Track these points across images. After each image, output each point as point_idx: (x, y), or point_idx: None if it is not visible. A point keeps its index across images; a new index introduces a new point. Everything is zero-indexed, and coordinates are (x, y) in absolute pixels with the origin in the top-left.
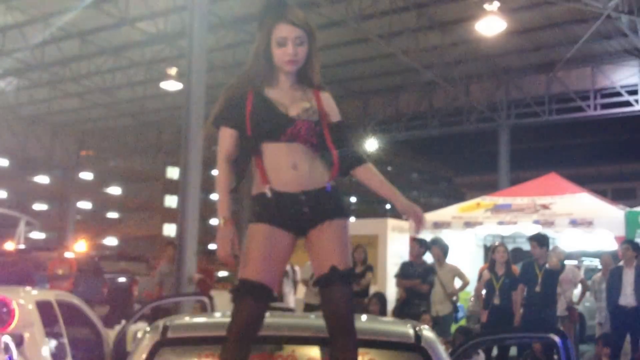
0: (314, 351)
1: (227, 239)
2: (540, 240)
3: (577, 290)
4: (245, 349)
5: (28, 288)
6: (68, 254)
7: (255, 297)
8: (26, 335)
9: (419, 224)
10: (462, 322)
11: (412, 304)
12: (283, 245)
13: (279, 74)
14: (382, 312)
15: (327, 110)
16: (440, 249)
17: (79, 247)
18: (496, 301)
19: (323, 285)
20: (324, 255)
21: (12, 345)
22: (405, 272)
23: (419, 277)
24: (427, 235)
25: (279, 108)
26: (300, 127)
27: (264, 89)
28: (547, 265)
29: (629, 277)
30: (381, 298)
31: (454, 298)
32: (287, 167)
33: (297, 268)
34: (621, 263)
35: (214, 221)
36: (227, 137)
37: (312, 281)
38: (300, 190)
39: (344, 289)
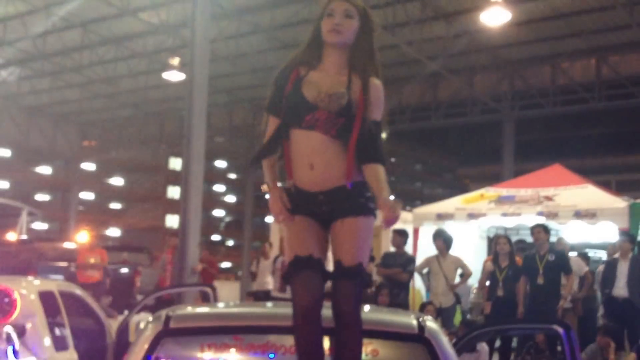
0: None
1: (275, 200)
2: (545, 227)
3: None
4: (316, 331)
5: (30, 278)
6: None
7: (309, 269)
8: (28, 325)
9: (389, 221)
10: (458, 311)
11: (392, 294)
12: (318, 230)
13: (327, 52)
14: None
15: (368, 102)
16: (443, 240)
17: (82, 237)
18: (500, 293)
19: (331, 279)
20: (337, 251)
21: (14, 336)
22: (386, 262)
23: (399, 267)
24: (430, 227)
25: (305, 92)
26: (319, 116)
27: (309, 71)
28: (548, 257)
29: (623, 268)
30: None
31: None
32: (304, 166)
33: None
34: (617, 255)
35: (216, 212)
36: (271, 125)
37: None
38: (318, 191)
39: (348, 285)
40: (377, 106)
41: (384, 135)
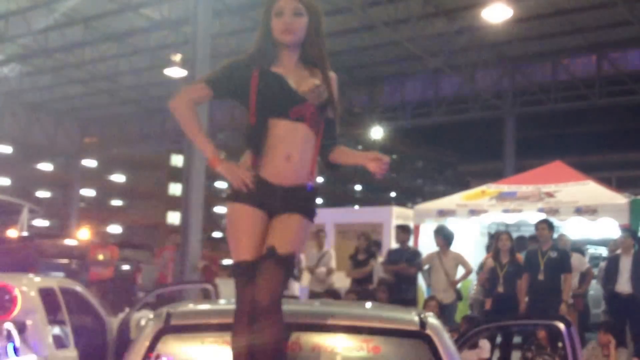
0: (319, 338)
1: (232, 170)
2: (549, 224)
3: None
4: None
5: (31, 275)
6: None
7: (252, 277)
8: (29, 322)
9: (381, 165)
10: (460, 306)
11: (400, 289)
12: (263, 222)
13: (282, 52)
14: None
15: (333, 100)
16: (443, 237)
17: (82, 234)
18: (500, 289)
19: (264, 261)
20: (274, 238)
21: (15, 332)
22: (392, 258)
23: (405, 262)
24: (431, 224)
25: (289, 82)
26: (307, 109)
27: (269, 68)
28: (550, 254)
29: (625, 264)
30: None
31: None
32: (281, 157)
33: (302, 256)
34: (619, 251)
35: (218, 209)
36: (200, 91)
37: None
38: (280, 185)
39: (278, 271)
40: (335, 104)
41: (381, 131)
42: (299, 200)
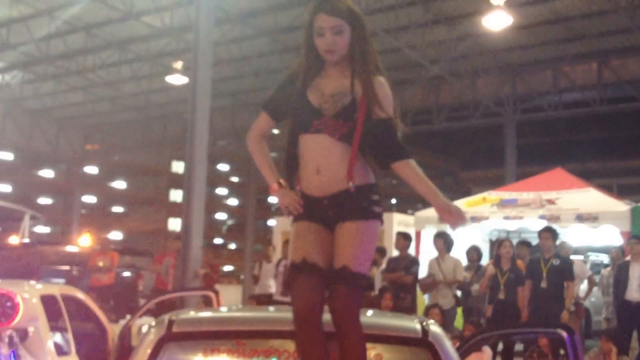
0: None
1: (283, 196)
2: (553, 233)
3: (584, 286)
4: (317, 333)
5: (32, 282)
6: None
7: (306, 273)
8: (30, 329)
9: (457, 221)
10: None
11: (398, 298)
12: (324, 236)
13: (328, 63)
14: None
15: (371, 100)
16: (443, 242)
17: (84, 241)
18: (501, 296)
19: (329, 282)
20: (336, 255)
21: (17, 339)
22: (391, 266)
23: (402, 270)
24: (432, 230)
25: (310, 97)
26: (326, 120)
27: (312, 80)
28: (553, 261)
29: (635, 271)
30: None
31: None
32: (311, 171)
33: None
34: (628, 258)
35: (219, 215)
36: (262, 121)
37: None
38: (323, 196)
39: (340, 289)
40: (383, 103)
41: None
42: (346, 206)
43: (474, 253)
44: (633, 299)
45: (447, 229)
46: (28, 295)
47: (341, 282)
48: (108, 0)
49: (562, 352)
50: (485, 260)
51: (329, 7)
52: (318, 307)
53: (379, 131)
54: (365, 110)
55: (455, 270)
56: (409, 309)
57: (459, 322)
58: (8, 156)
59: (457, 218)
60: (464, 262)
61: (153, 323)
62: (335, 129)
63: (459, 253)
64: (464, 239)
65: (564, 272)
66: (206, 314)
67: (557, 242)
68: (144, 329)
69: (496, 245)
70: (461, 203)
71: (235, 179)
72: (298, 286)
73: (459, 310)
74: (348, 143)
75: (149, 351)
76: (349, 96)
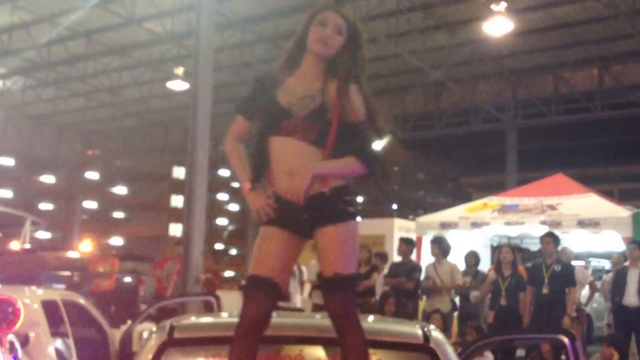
0: (322, 351)
1: (255, 200)
2: (555, 238)
3: (585, 291)
4: (254, 346)
5: (33, 288)
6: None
7: (265, 291)
8: (32, 335)
9: (291, 192)
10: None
11: (400, 303)
12: (292, 246)
13: (307, 59)
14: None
15: (344, 105)
16: (440, 247)
17: (85, 246)
18: (503, 302)
19: (322, 290)
20: (323, 261)
21: (18, 345)
22: (393, 272)
23: (404, 275)
24: (433, 235)
25: (280, 98)
26: (296, 123)
27: (285, 78)
28: (555, 267)
29: (633, 277)
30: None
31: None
32: (283, 173)
33: (304, 268)
34: (627, 263)
35: (220, 221)
36: (237, 124)
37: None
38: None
39: (341, 295)
40: (355, 108)
41: (385, 142)
42: (323, 209)
43: (471, 258)
44: (630, 304)
45: (448, 234)
46: (29, 300)
47: (336, 289)
48: (109, 6)
49: (563, 357)
50: (485, 266)
51: (339, 9)
52: (266, 322)
53: (348, 134)
54: (339, 115)
55: (453, 275)
56: (411, 315)
57: (455, 326)
58: (9, 162)
59: (292, 190)
60: (463, 267)
61: (154, 329)
62: (305, 132)
63: (459, 258)
64: (465, 244)
65: (566, 277)
66: (207, 319)
67: (559, 248)
68: (145, 334)
69: (497, 251)
70: (462, 209)
71: (236, 185)
72: (254, 300)
73: (454, 315)
74: (319, 146)
75: (150, 357)
76: (318, 99)
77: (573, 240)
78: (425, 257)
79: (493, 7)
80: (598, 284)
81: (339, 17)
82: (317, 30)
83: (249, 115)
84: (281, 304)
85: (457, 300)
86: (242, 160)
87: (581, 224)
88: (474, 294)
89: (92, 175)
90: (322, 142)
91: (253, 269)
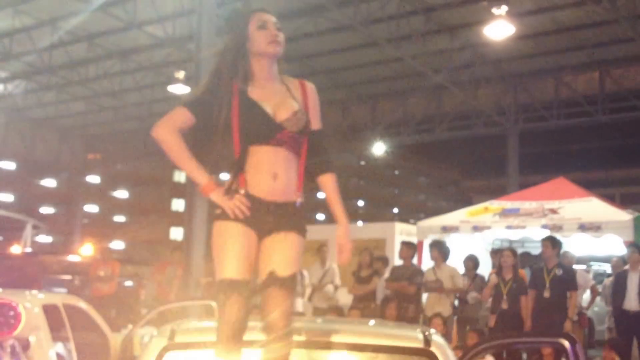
0: (324, 355)
1: (226, 198)
2: (553, 241)
3: (586, 295)
4: (239, 349)
5: (34, 292)
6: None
7: (240, 293)
8: (32, 339)
9: (343, 257)
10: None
11: (401, 307)
12: (253, 242)
13: (257, 67)
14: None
15: (312, 111)
16: (439, 251)
17: (86, 250)
18: (504, 306)
19: (263, 289)
20: (271, 261)
21: (19, 349)
22: (394, 275)
23: (406, 280)
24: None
25: (267, 111)
26: (286, 135)
27: (247, 89)
28: (556, 271)
29: (633, 280)
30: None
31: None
32: (267, 176)
33: (305, 272)
34: (627, 267)
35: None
36: (182, 116)
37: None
38: (272, 201)
39: (283, 294)
40: (317, 110)
41: (383, 147)
42: (290, 217)
43: (470, 262)
44: (631, 308)
45: (449, 238)
46: (30, 304)
47: (280, 287)
48: (110, 10)
49: None
50: (486, 270)
51: (266, 9)
52: (245, 323)
53: (317, 142)
54: (310, 122)
55: (454, 278)
56: (413, 319)
57: (455, 330)
58: (10, 165)
59: (345, 252)
60: (462, 271)
61: (155, 333)
62: (295, 145)
63: (461, 263)
64: (466, 248)
65: (567, 281)
66: (208, 324)
67: (560, 252)
68: (146, 338)
69: (498, 255)
70: (463, 212)
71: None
72: (231, 304)
73: (454, 319)
74: (299, 157)
75: None
76: (305, 116)
77: (574, 244)
78: (427, 261)
79: (494, 10)
80: (599, 287)
81: (271, 16)
82: (263, 34)
83: (198, 114)
84: None
85: (455, 303)
86: (187, 152)
87: (582, 227)
88: (472, 295)
89: (93, 179)
90: (299, 150)
91: (226, 272)
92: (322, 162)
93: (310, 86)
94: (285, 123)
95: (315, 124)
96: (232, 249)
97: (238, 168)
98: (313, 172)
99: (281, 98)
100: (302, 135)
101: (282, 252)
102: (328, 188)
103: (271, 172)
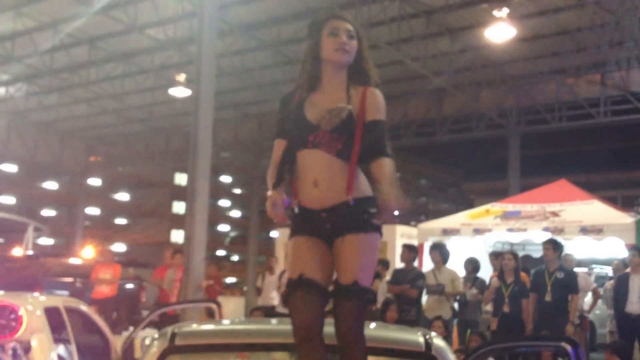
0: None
1: (273, 197)
2: (555, 244)
3: (588, 298)
4: (316, 346)
5: (36, 294)
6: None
7: (305, 288)
8: (34, 341)
9: (383, 214)
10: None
11: (402, 310)
12: (321, 250)
13: (327, 72)
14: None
15: (367, 107)
16: (439, 253)
17: (87, 253)
18: (506, 309)
19: (336, 298)
20: (339, 270)
21: (20, 352)
22: (396, 278)
23: (408, 283)
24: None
25: (307, 113)
26: (322, 136)
27: (309, 93)
28: (557, 274)
29: (635, 283)
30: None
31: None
32: (309, 184)
33: None
34: (628, 270)
35: (221, 227)
36: (278, 147)
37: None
38: (321, 208)
39: (345, 304)
40: (375, 108)
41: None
42: (345, 218)
43: (469, 265)
44: (633, 311)
45: (450, 241)
46: (31, 307)
47: (351, 298)
48: (112, 13)
49: None
50: (486, 273)
51: (343, 16)
52: (318, 322)
53: (371, 130)
54: (362, 123)
55: (454, 282)
56: (414, 323)
57: (455, 333)
58: (12, 168)
59: (387, 211)
60: (463, 274)
61: (156, 335)
62: (331, 144)
63: (462, 265)
64: (467, 251)
65: (569, 284)
66: (209, 326)
67: (562, 255)
68: (147, 341)
69: (498, 258)
70: (464, 215)
71: (238, 191)
72: (297, 302)
73: (454, 321)
74: (344, 158)
75: None
76: (346, 110)
77: (576, 247)
78: (427, 264)
79: (495, 13)
80: (601, 290)
81: (345, 23)
82: (332, 41)
83: (284, 136)
84: (285, 310)
85: (455, 305)
86: (273, 172)
87: (584, 230)
88: (472, 292)
89: (95, 181)
90: (346, 153)
91: (290, 275)
92: (372, 148)
93: (371, 90)
94: (320, 122)
95: (372, 116)
96: (297, 256)
97: (291, 174)
98: (365, 161)
99: (331, 102)
100: (343, 135)
101: (342, 258)
102: (377, 172)
103: (311, 179)
